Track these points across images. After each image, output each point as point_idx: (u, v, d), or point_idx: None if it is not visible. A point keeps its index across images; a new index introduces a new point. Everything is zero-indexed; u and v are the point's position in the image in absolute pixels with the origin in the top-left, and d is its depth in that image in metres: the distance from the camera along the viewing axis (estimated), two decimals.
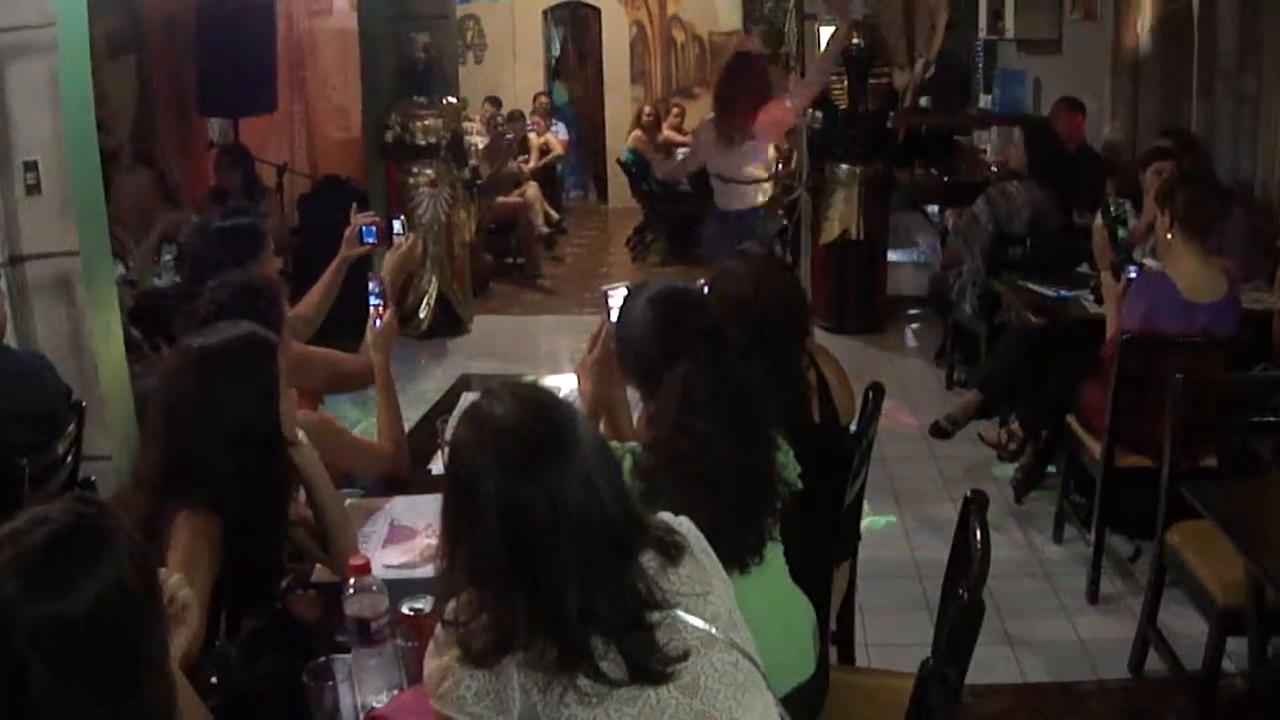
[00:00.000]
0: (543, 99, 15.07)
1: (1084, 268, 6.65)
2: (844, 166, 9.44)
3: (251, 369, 2.94)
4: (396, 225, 4.76)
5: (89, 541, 1.85)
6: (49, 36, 5.01)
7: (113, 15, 8.14)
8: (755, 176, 7.78)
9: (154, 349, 5.89)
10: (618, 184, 15.52)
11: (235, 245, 4.53)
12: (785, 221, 9.28)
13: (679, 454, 2.78)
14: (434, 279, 9.81)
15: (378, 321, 4.05)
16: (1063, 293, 6.50)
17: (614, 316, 3.29)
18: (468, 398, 2.19)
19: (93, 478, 3.88)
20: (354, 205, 5.29)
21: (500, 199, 12.37)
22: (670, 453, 2.79)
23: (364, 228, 5.02)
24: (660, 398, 2.91)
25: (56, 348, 5.14)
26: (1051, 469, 6.23)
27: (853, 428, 3.95)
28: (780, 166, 9.07)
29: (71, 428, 4.51)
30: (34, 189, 5.15)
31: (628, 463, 2.73)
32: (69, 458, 4.48)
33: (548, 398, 2.23)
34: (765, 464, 2.92)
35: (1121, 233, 6.44)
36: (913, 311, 10.05)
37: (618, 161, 14.54)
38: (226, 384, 2.88)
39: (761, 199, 7.87)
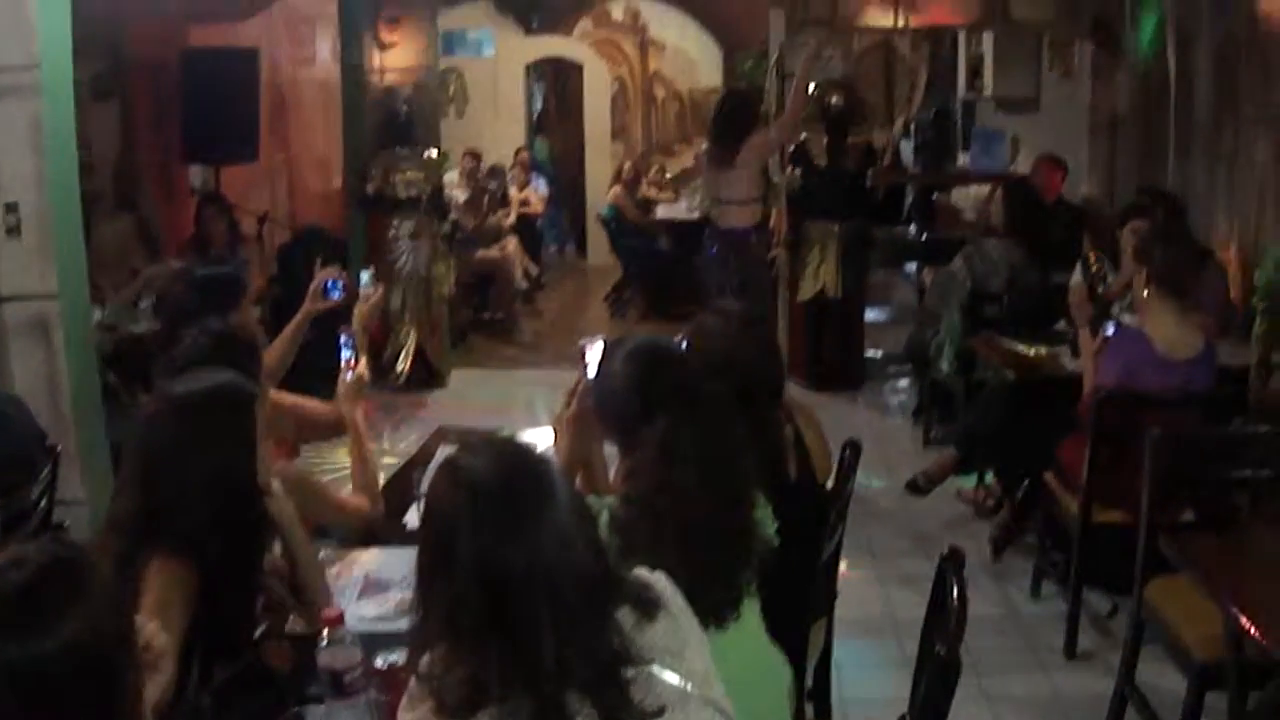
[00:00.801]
0: (524, 154, 15.09)
1: (1061, 325, 6.68)
2: (822, 224, 9.45)
3: (229, 418, 2.93)
4: (364, 277, 4.76)
5: (66, 584, 1.83)
6: (33, 79, 5.02)
7: (98, 59, 8.15)
8: (744, 197, 8.64)
9: (130, 395, 5.87)
10: (597, 240, 15.54)
11: (214, 294, 4.51)
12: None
13: (657, 509, 2.77)
14: (412, 332, 9.80)
15: (349, 374, 4.05)
16: (1040, 350, 6.51)
17: (591, 371, 3.29)
18: (444, 450, 2.18)
19: (66, 522, 3.87)
20: (319, 260, 5.27)
21: (480, 253, 12.38)
22: (648, 508, 2.78)
23: (329, 282, 5.01)
24: (638, 453, 2.90)
25: (32, 391, 5.12)
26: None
27: (829, 485, 3.95)
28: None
29: (46, 472, 4.48)
30: (14, 231, 5.15)
31: (604, 518, 2.72)
32: (43, 502, 4.44)
33: (524, 451, 2.22)
34: (743, 520, 2.91)
35: (1100, 289, 6.47)
36: (890, 369, 10.06)
37: (598, 218, 14.58)
38: (204, 432, 2.86)
39: (751, 219, 8.77)
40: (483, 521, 2.05)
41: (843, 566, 4.31)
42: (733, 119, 8.67)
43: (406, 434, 8.36)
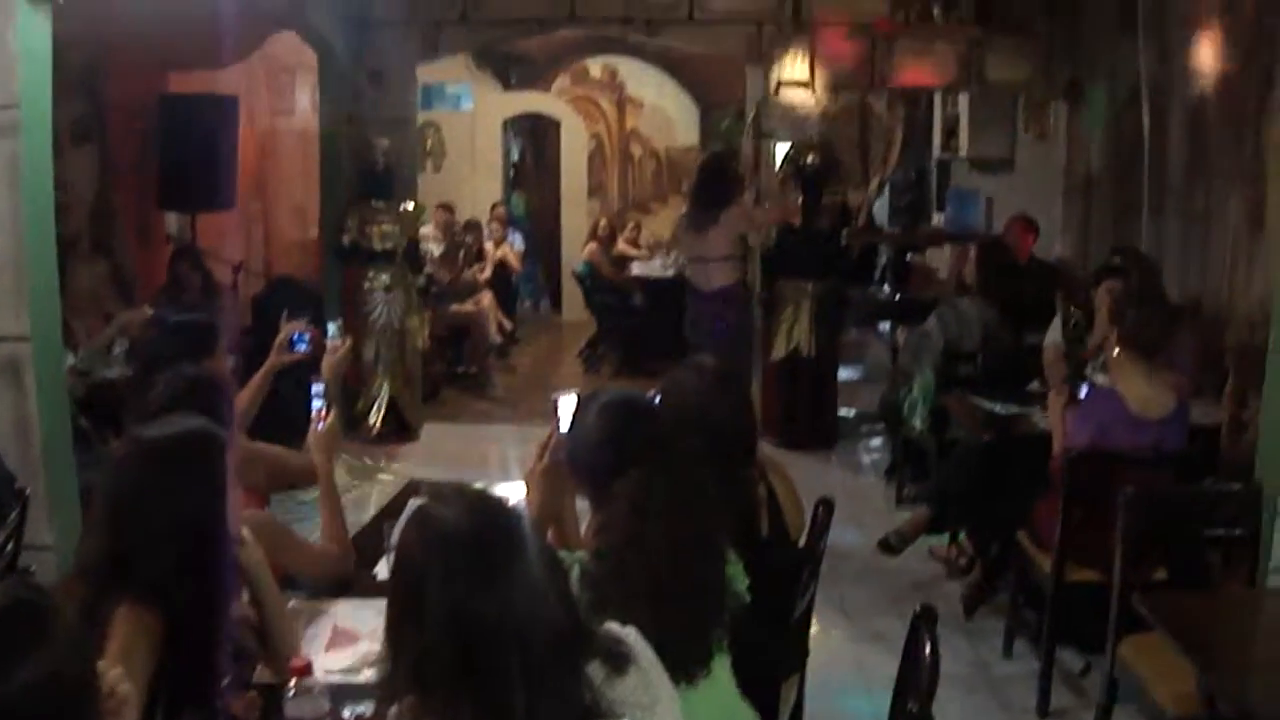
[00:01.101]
0: (500, 209, 15.10)
1: (1034, 385, 6.71)
2: (796, 283, 9.48)
3: (200, 464, 2.90)
4: (331, 329, 4.77)
5: (26, 626, 1.81)
6: (12, 118, 4.99)
7: (76, 103, 8.16)
8: (723, 254, 8.98)
9: (102, 440, 5.84)
10: (572, 296, 15.57)
11: (189, 341, 4.51)
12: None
13: (627, 563, 2.76)
14: (385, 384, 9.78)
15: (320, 424, 4.04)
16: (1012, 409, 6.53)
17: (564, 425, 3.29)
18: (415, 502, 2.18)
19: (33, 567, 3.82)
20: (284, 313, 5.26)
21: (454, 307, 12.38)
22: (619, 562, 2.77)
23: (295, 335, 5.00)
24: (610, 506, 2.90)
25: (2, 434, 5.06)
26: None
27: (802, 542, 3.94)
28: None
29: (14, 515, 4.44)
30: None
31: (575, 572, 2.71)
32: (9, 545, 4.40)
33: (496, 503, 2.22)
34: (714, 576, 2.90)
35: (1077, 347, 6.52)
36: (863, 428, 10.07)
37: (573, 274, 14.60)
38: (174, 477, 2.83)
39: (732, 275, 9.10)
40: (453, 571, 2.04)
41: (814, 624, 4.30)
42: (711, 185, 9.01)
43: (376, 486, 8.36)
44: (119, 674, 2.21)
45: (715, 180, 9.07)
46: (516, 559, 2.09)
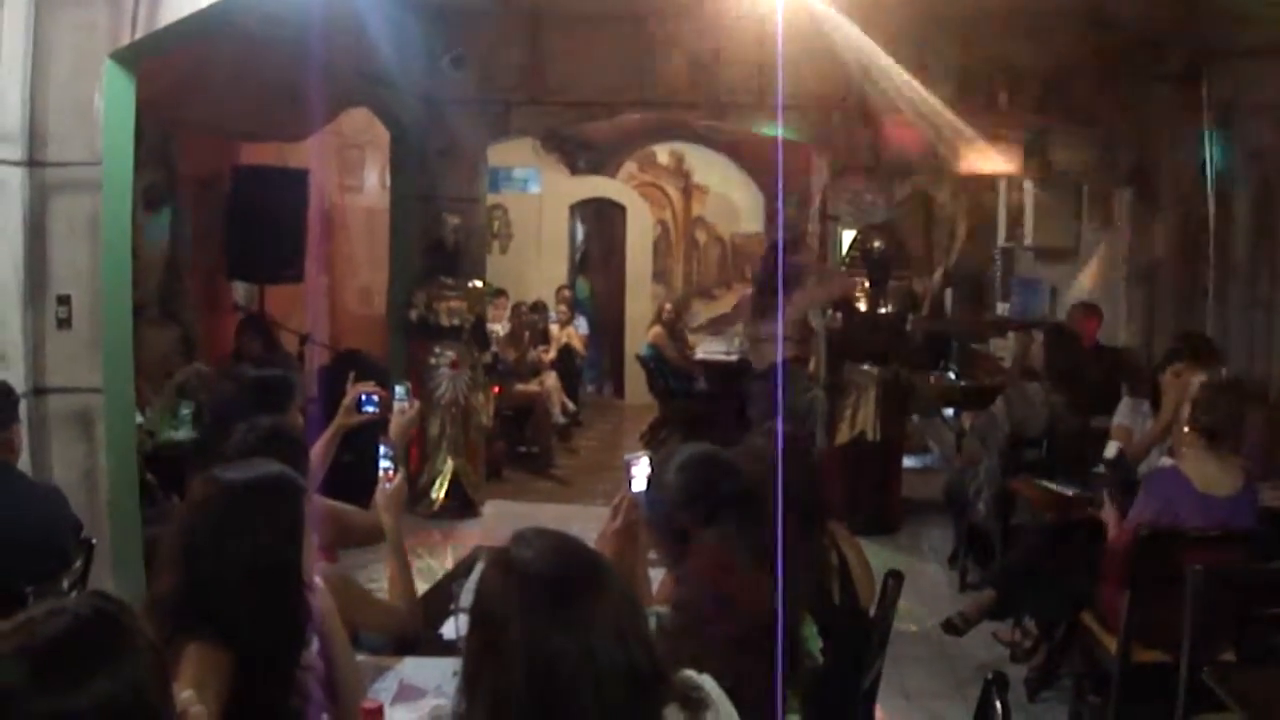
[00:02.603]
0: (566, 292, 15.20)
1: (1100, 469, 6.66)
2: (863, 367, 9.48)
3: (278, 506, 2.92)
4: (399, 390, 4.79)
5: (108, 638, 1.82)
6: (94, 175, 5.11)
7: (151, 170, 8.29)
8: (784, 335, 9.06)
9: (167, 498, 5.89)
10: (635, 380, 15.58)
11: (265, 395, 4.56)
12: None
13: (707, 617, 2.76)
14: (449, 460, 9.81)
15: (387, 485, 4.07)
16: (1078, 491, 6.48)
17: (635, 486, 3.29)
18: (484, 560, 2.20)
19: None
20: (352, 374, 5.30)
21: (519, 386, 12.44)
22: (696, 614, 2.77)
23: (363, 396, 5.04)
24: (692, 560, 2.90)
25: (71, 483, 5.13)
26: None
27: (872, 611, 3.94)
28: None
29: (79, 564, 4.48)
30: (64, 323, 5.21)
31: (652, 624, 2.71)
32: (73, 594, 4.43)
33: (576, 543, 2.23)
34: (793, 634, 2.89)
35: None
36: (927, 515, 10.00)
37: (636, 357, 14.62)
38: (251, 517, 2.85)
39: (791, 350, 9.22)
40: (533, 611, 2.05)
41: (877, 709, 4.26)
42: (772, 272, 9.04)
43: (439, 560, 8.33)
44: (192, 695, 2.22)
45: (773, 268, 9.07)
46: (596, 600, 2.09)
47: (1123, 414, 6.91)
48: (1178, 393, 5.87)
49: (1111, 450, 6.63)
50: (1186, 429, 5.17)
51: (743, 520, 2.88)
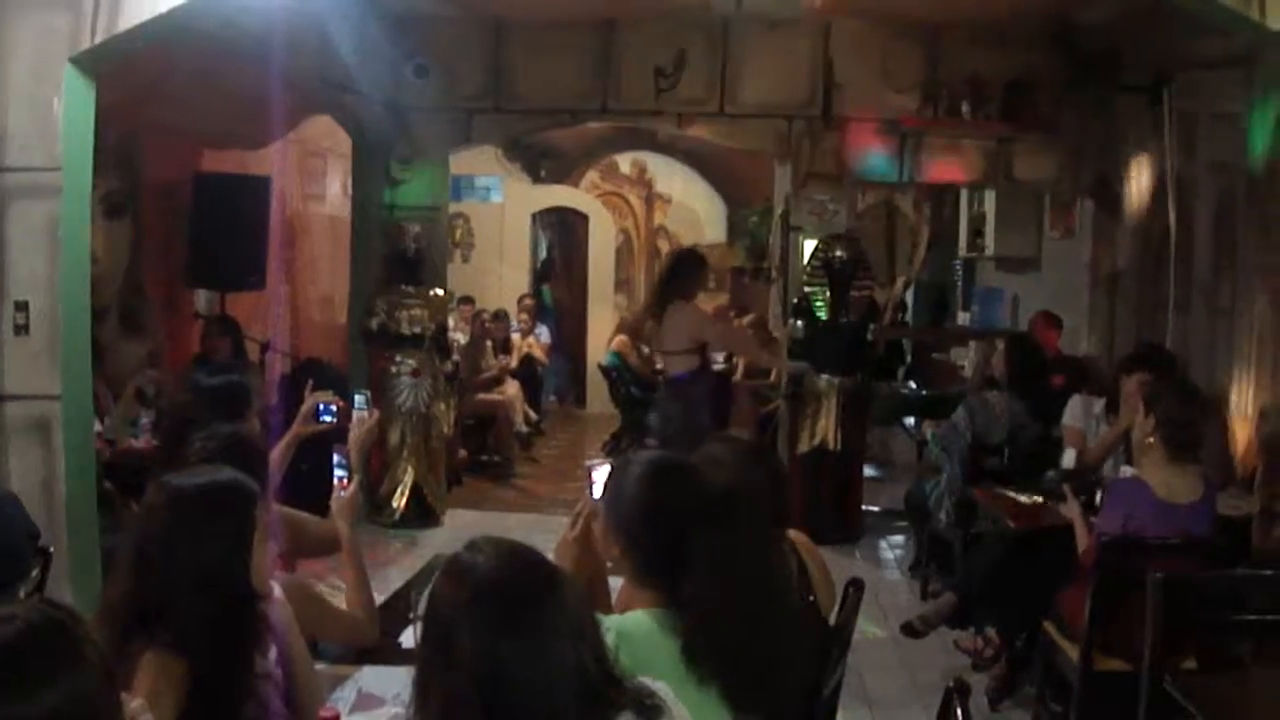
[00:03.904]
0: (528, 301, 15.17)
1: (1051, 474, 6.70)
2: (823, 377, 9.49)
3: (229, 514, 2.90)
4: (359, 399, 4.76)
5: (58, 646, 1.79)
6: (54, 180, 5.07)
7: (111, 177, 8.22)
8: (676, 349, 8.89)
9: (126, 506, 5.84)
10: (596, 390, 15.56)
11: (222, 402, 4.53)
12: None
13: (710, 628, 2.76)
14: (410, 468, 9.77)
15: (342, 493, 4.05)
16: (1039, 499, 6.50)
17: (596, 493, 3.27)
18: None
19: None
20: (310, 383, 5.27)
21: (480, 395, 12.41)
22: (703, 628, 2.78)
23: (321, 405, 5.01)
24: (688, 576, 2.88)
25: (29, 490, 5.09)
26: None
27: (832, 620, 3.93)
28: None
29: (35, 572, 4.43)
30: (22, 329, 5.18)
31: (611, 637, 2.69)
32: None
33: (529, 552, 2.23)
34: (788, 637, 2.91)
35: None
36: (887, 524, 10.01)
37: (599, 366, 14.59)
38: (202, 525, 2.83)
39: (686, 366, 8.87)
40: (483, 618, 2.05)
41: (839, 714, 4.25)
42: (669, 281, 9.05)
43: (399, 571, 8.29)
44: (142, 704, 2.20)
45: (671, 277, 9.11)
46: (548, 607, 2.09)
47: (1074, 415, 6.95)
48: (1137, 401, 5.88)
49: (1069, 459, 6.66)
50: (1149, 438, 5.18)
51: (720, 524, 2.87)
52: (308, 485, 5.01)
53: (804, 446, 9.54)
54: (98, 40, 5.22)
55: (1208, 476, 5.23)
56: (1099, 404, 6.88)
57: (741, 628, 2.78)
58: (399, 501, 9.74)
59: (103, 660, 1.88)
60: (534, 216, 17.02)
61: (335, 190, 11.92)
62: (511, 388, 13.10)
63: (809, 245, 9.93)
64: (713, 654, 2.72)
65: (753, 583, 2.85)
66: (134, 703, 2.18)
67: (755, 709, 2.61)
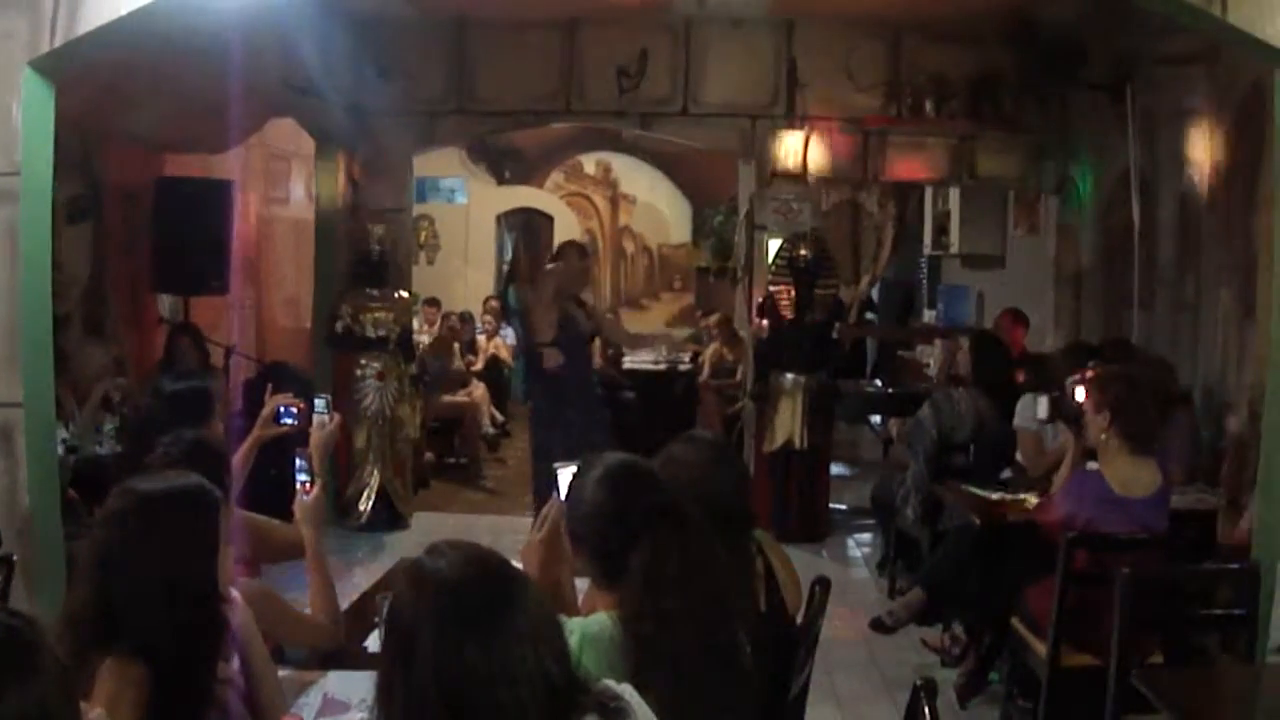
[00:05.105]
0: (493, 302, 15.12)
1: (1007, 473, 6.76)
2: (789, 376, 9.49)
3: (192, 519, 2.88)
4: (320, 403, 4.72)
5: (15, 656, 1.77)
6: (12, 185, 5.02)
7: (73, 182, 8.15)
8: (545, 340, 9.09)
9: (89, 514, 5.79)
10: None
11: (185, 407, 4.50)
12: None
13: (645, 635, 2.74)
14: (376, 471, 9.74)
15: (305, 497, 4.03)
16: (1004, 495, 6.52)
17: (563, 495, 3.26)
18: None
19: None
20: (270, 386, 5.24)
21: (446, 397, 12.38)
22: (636, 635, 2.76)
23: (281, 408, 4.98)
24: (625, 582, 2.87)
25: None
26: (995, 676, 6.17)
27: (799, 619, 3.92)
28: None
29: None
30: None
31: (575, 639, 2.68)
32: None
33: (490, 555, 2.22)
34: (731, 644, 2.89)
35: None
36: (854, 522, 10.03)
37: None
38: (165, 531, 2.80)
39: (554, 361, 9.05)
40: (444, 622, 2.05)
41: (807, 714, 4.25)
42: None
43: (365, 574, 8.25)
44: (102, 715, 2.18)
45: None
46: (509, 610, 2.09)
47: (1024, 416, 6.96)
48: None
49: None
50: (1102, 434, 5.19)
51: (670, 533, 2.86)
52: (276, 490, 4.98)
53: (770, 445, 9.53)
54: (57, 44, 5.16)
55: (1167, 470, 5.24)
56: (1044, 401, 6.84)
57: (684, 634, 2.76)
58: (365, 505, 9.71)
59: (61, 669, 1.85)
60: (499, 218, 17.00)
61: (299, 193, 11.86)
62: (478, 389, 13.06)
63: (774, 244, 9.93)
64: (655, 661, 2.70)
65: (701, 587, 2.83)
66: (94, 711, 2.16)
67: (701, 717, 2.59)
